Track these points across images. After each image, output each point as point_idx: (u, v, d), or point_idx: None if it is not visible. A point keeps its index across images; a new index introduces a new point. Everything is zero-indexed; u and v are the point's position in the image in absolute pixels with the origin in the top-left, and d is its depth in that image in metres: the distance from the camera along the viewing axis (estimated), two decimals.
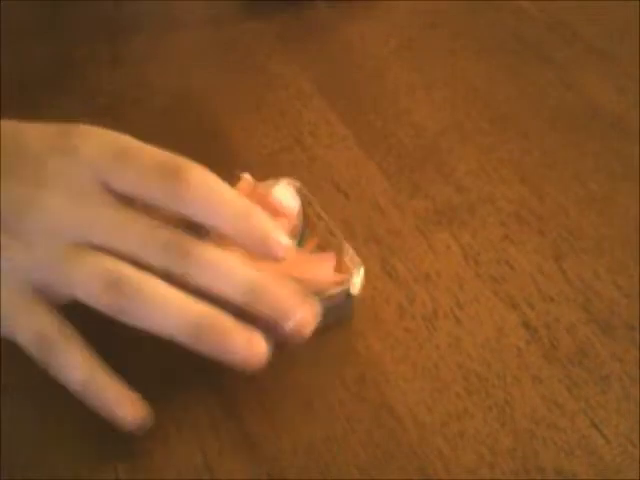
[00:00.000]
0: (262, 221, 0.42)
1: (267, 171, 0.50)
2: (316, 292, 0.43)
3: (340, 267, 0.45)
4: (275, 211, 0.47)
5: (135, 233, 0.41)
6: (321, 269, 0.45)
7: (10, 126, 0.43)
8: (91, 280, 0.40)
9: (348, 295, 0.45)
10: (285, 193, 0.48)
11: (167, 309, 0.40)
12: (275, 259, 0.41)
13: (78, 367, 0.40)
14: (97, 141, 0.42)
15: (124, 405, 0.40)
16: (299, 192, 0.48)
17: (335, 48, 0.64)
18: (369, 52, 0.63)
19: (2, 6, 0.63)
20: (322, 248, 0.47)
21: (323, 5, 0.68)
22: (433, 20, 0.61)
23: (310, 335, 0.41)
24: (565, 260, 0.49)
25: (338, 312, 0.45)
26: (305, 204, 0.48)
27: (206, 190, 0.41)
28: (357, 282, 0.44)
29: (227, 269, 0.41)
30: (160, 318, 0.40)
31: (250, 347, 0.40)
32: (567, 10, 0.66)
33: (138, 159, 0.42)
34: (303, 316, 0.41)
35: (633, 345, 0.45)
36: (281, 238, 0.42)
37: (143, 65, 0.62)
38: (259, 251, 0.41)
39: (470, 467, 0.40)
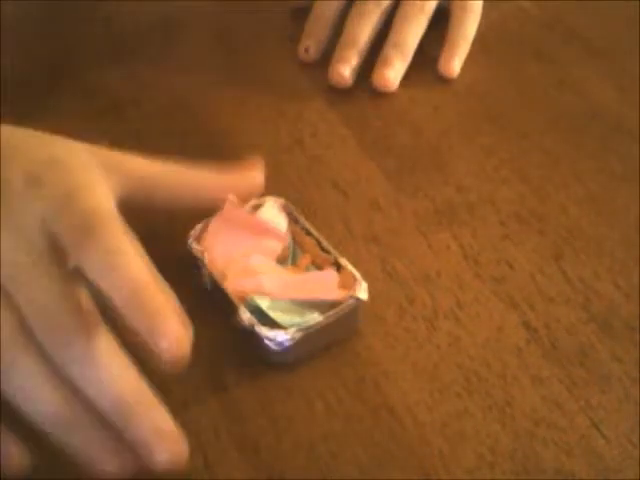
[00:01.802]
0: (156, 302, 0.37)
1: (267, 171, 0.50)
2: (325, 310, 0.44)
3: (342, 282, 0.45)
4: (265, 232, 0.47)
5: (31, 292, 0.38)
6: (326, 287, 0.45)
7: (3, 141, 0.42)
8: None
9: (356, 309, 0.45)
10: (272, 213, 0.48)
11: (33, 392, 0.38)
12: (161, 352, 0.36)
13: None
14: (59, 183, 0.41)
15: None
16: (285, 209, 0.48)
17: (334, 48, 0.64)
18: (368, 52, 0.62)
19: (2, 6, 0.63)
20: (317, 264, 0.47)
21: None
22: (433, 20, 0.61)
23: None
24: (565, 260, 0.49)
25: (346, 326, 0.45)
26: (292, 221, 0.48)
27: (109, 255, 0.38)
28: (363, 296, 0.44)
29: (102, 368, 0.38)
30: (26, 400, 0.38)
31: (107, 465, 0.38)
32: (567, 10, 0.66)
33: (75, 207, 0.40)
34: (164, 458, 0.37)
35: (633, 345, 0.45)
36: (173, 326, 0.36)
37: (143, 65, 0.62)
38: (147, 338, 0.37)
39: (470, 467, 0.40)
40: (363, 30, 0.60)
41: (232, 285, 0.45)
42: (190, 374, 0.43)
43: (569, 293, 0.47)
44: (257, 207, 0.48)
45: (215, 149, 0.56)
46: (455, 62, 0.60)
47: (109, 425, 0.38)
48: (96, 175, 0.42)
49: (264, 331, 0.43)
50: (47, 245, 0.39)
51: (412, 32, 0.60)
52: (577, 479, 0.40)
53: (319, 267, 0.46)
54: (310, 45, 0.61)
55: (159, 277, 0.39)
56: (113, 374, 0.38)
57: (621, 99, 0.59)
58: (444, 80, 0.60)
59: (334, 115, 0.58)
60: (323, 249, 0.46)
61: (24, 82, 0.60)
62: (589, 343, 0.45)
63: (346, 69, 0.59)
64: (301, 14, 0.64)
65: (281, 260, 0.47)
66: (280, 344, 0.43)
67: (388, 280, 0.48)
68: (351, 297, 0.44)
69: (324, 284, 0.45)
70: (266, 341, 0.43)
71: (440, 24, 0.62)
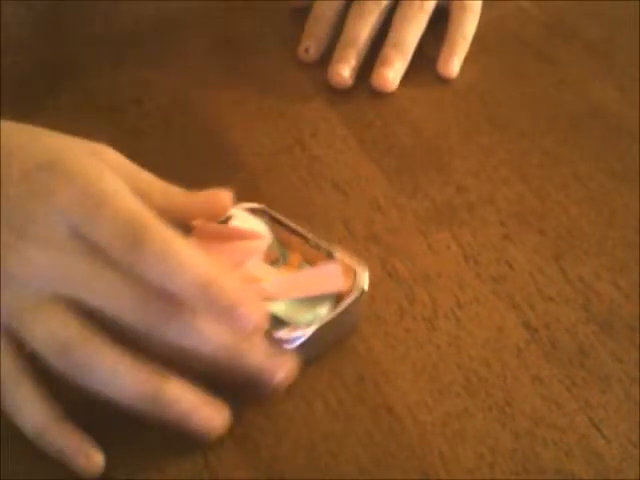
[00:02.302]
0: (225, 292, 0.39)
1: (267, 171, 0.50)
2: (330, 303, 0.44)
3: (344, 271, 0.45)
4: (243, 236, 0.46)
5: (103, 288, 0.40)
6: (331, 281, 0.45)
7: None
8: (46, 341, 0.40)
9: (360, 298, 0.45)
10: (242, 219, 0.47)
11: (119, 380, 0.39)
12: (242, 332, 0.40)
13: (30, 417, 0.40)
14: (74, 186, 0.40)
15: (76, 456, 0.40)
16: (264, 214, 0.48)
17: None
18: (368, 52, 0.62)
19: (2, 6, 0.63)
20: (308, 260, 0.46)
21: None
22: (432, 20, 0.61)
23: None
24: (565, 260, 0.49)
25: (353, 317, 0.45)
26: (274, 223, 0.47)
27: (165, 257, 0.39)
28: (366, 281, 0.45)
29: (205, 332, 0.40)
30: (113, 388, 0.39)
31: (208, 420, 0.40)
32: (567, 10, 0.66)
33: (109, 212, 0.40)
34: (282, 377, 0.41)
35: (633, 345, 0.45)
36: (250, 309, 0.39)
37: (143, 65, 0.62)
38: (223, 323, 0.40)
39: (470, 467, 0.40)
40: (362, 30, 0.60)
41: None
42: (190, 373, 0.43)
43: (569, 293, 0.47)
44: (226, 220, 0.47)
45: (215, 149, 0.56)
46: (454, 62, 0.60)
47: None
48: (109, 173, 0.42)
49: (282, 334, 0.43)
50: (88, 248, 0.40)
51: (411, 31, 0.60)
52: (577, 479, 0.40)
53: (311, 263, 0.46)
54: (310, 45, 0.61)
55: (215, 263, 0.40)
56: (213, 330, 0.40)
57: (621, 99, 0.59)
58: (444, 80, 0.60)
59: (334, 115, 0.58)
60: (312, 245, 0.46)
61: (24, 82, 0.60)
62: (589, 343, 0.45)
63: (345, 70, 0.59)
64: (301, 14, 0.64)
65: (272, 262, 0.46)
66: (295, 343, 0.43)
67: (388, 280, 0.48)
68: (355, 286, 0.44)
69: (327, 277, 0.45)
70: (283, 344, 0.43)
71: (440, 24, 0.62)
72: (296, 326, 0.43)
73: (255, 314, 0.39)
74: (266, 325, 0.40)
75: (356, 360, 0.44)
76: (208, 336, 0.40)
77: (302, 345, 0.43)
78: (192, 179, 0.48)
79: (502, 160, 0.55)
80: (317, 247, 0.46)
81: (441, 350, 0.45)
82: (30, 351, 0.41)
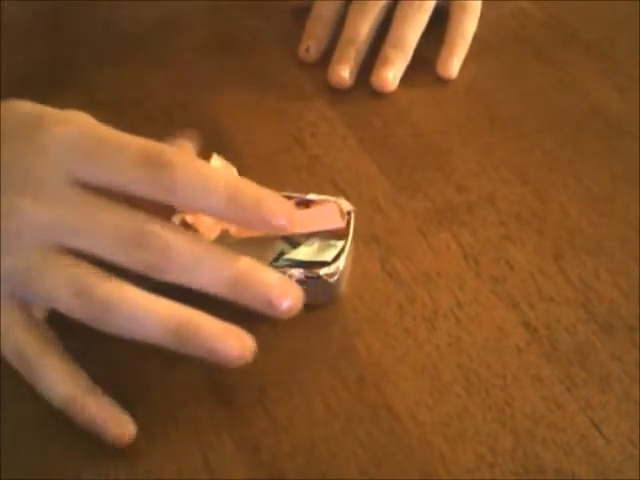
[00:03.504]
0: (251, 196, 0.40)
1: (267, 171, 0.50)
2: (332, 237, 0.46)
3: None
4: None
5: (105, 234, 0.40)
6: (331, 218, 0.47)
7: None
8: (61, 290, 0.39)
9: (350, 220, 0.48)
10: (220, 164, 0.49)
11: (142, 317, 0.39)
12: (277, 230, 0.41)
13: (58, 386, 0.40)
14: (68, 135, 0.41)
15: (108, 424, 0.39)
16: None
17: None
18: (368, 52, 0.62)
19: (2, 6, 0.63)
20: None
21: None
22: (432, 20, 0.61)
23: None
24: (565, 260, 0.49)
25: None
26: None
27: (192, 178, 0.40)
28: (349, 205, 0.48)
29: (208, 262, 0.40)
30: (136, 326, 0.39)
31: (236, 347, 0.40)
32: (567, 10, 0.66)
33: (115, 150, 0.40)
34: (289, 305, 0.41)
35: (633, 345, 0.45)
36: (277, 205, 0.41)
37: (143, 65, 0.62)
38: (260, 227, 0.41)
39: (470, 467, 0.40)
40: (362, 29, 0.60)
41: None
42: (190, 374, 0.43)
43: (569, 293, 0.47)
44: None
45: (215, 149, 0.56)
46: (453, 62, 0.60)
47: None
48: (93, 119, 0.42)
49: (325, 271, 0.45)
50: (86, 194, 0.40)
51: (411, 31, 0.60)
52: (577, 479, 0.40)
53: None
54: (310, 45, 0.62)
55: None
56: (224, 257, 0.41)
57: (621, 99, 0.59)
58: (444, 80, 0.60)
59: (334, 115, 0.58)
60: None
61: (25, 82, 0.60)
62: (589, 343, 0.45)
63: (345, 70, 0.59)
64: (301, 14, 0.64)
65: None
66: (336, 275, 0.45)
67: (388, 280, 0.48)
68: (348, 213, 0.47)
69: (326, 216, 0.47)
70: (326, 279, 0.45)
71: (439, 24, 0.62)
72: (328, 263, 0.45)
73: (281, 208, 0.41)
74: (293, 219, 0.41)
75: (356, 360, 0.45)
76: (212, 271, 0.40)
77: (340, 276, 0.45)
78: None
79: (502, 160, 0.55)
80: (288, 198, 0.47)
81: (441, 350, 0.45)
82: (43, 315, 0.41)
